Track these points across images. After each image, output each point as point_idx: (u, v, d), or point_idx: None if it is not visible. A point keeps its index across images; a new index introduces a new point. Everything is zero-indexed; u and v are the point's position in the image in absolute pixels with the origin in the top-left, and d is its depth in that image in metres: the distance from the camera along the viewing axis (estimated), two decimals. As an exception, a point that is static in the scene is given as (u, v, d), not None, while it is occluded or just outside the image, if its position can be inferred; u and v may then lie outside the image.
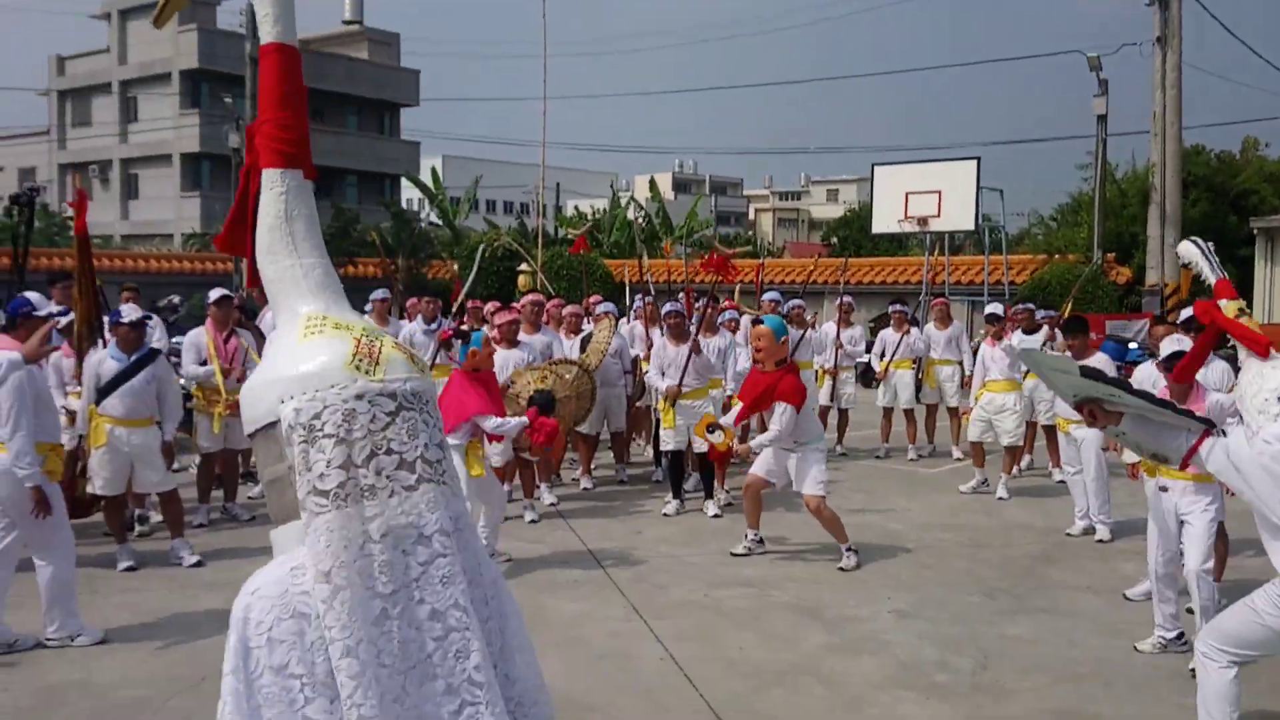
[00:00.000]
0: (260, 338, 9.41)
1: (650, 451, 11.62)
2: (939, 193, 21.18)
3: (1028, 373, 10.39)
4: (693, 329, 9.54)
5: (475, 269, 13.02)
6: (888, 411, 12.63)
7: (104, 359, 7.48)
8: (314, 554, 1.52)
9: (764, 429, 7.81)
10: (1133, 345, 16.28)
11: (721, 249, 13.69)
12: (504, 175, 53.06)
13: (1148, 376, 7.53)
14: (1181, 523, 5.85)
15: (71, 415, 7.71)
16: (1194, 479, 5.66)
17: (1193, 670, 4.50)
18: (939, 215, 21.28)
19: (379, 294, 11.63)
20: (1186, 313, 7.65)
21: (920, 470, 11.85)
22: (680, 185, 79.11)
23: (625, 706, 5.28)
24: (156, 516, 8.51)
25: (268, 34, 1.78)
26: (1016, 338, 10.70)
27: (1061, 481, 9.94)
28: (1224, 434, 3.60)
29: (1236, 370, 5.22)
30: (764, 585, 7.34)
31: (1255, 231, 21.46)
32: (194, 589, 7.05)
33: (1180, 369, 5.66)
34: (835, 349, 12.40)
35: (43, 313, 6.18)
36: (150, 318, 8.37)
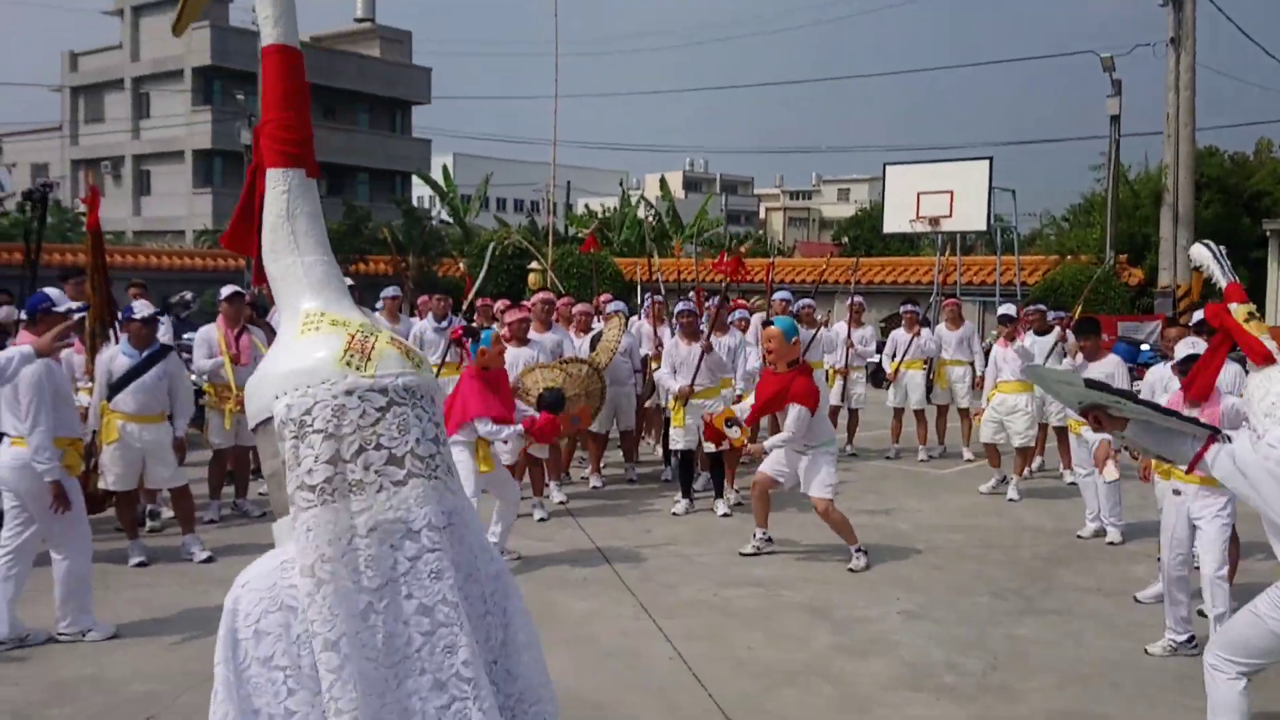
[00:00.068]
0: (272, 334, 9.43)
1: (659, 450, 11.62)
2: (951, 193, 21.13)
3: (1038, 374, 10.35)
4: (704, 328, 9.54)
5: (485, 267, 13.02)
6: (898, 412, 12.60)
7: (115, 355, 7.51)
8: (299, 549, 1.54)
9: (774, 430, 7.80)
10: (1145, 347, 16.22)
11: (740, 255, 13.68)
12: (514, 173, 53.11)
13: (1160, 378, 7.52)
14: (1194, 526, 5.83)
15: (83, 411, 7.73)
16: (1206, 483, 5.64)
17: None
18: (951, 215, 21.23)
19: (390, 291, 11.67)
20: (1199, 315, 7.62)
21: (930, 471, 11.83)
22: (691, 184, 79.10)
23: (634, 705, 5.28)
24: (168, 512, 8.55)
25: (268, 35, 1.79)
26: (1029, 339, 10.68)
27: (1073, 483, 9.91)
28: (1229, 440, 3.59)
29: (1249, 373, 5.20)
30: (773, 585, 7.33)
31: (1268, 234, 21.35)
32: (205, 584, 7.07)
33: (1199, 386, 5.58)
34: (846, 349, 12.38)
35: (62, 309, 6.22)
36: (161, 314, 8.40)
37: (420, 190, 45.64)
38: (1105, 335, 9.17)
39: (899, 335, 12.52)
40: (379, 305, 11.55)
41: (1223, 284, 4.94)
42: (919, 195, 21.51)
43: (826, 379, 11.99)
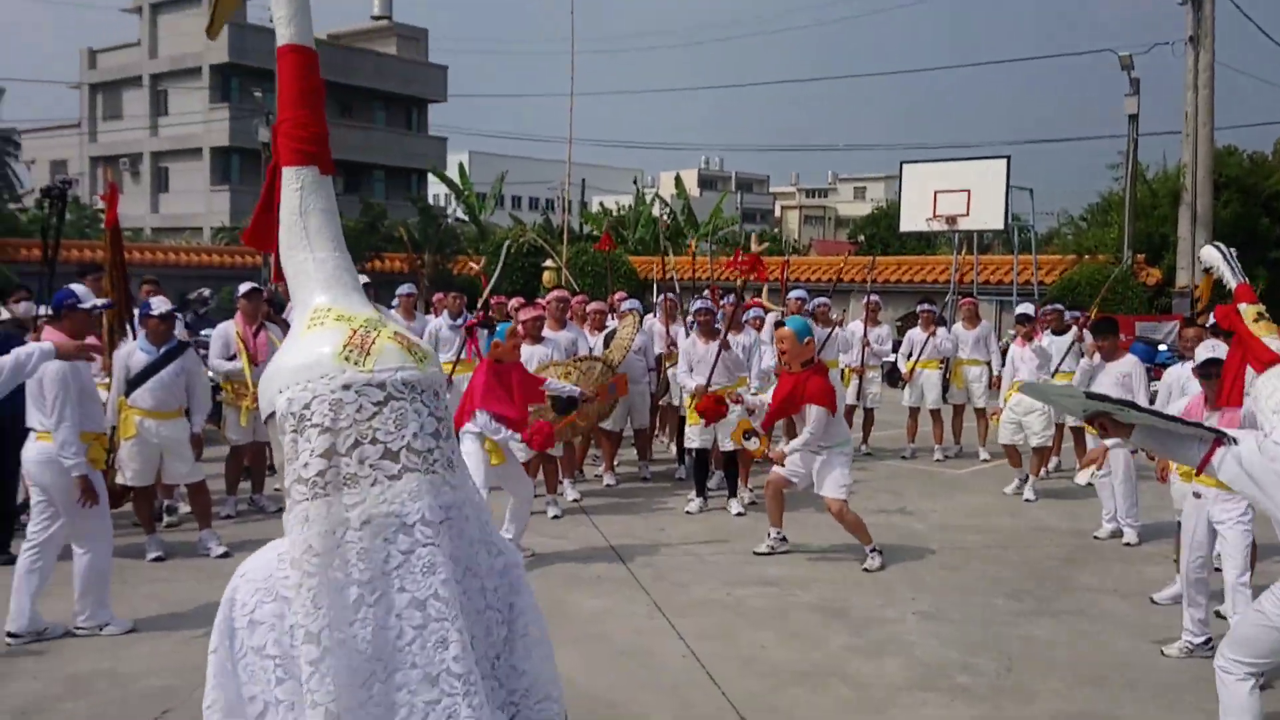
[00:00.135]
0: (288, 331, 9.47)
1: (673, 449, 11.62)
2: (968, 191, 21.07)
3: (1056, 373, 10.34)
4: (720, 326, 9.53)
5: (500, 265, 13.04)
6: (914, 412, 12.57)
7: (133, 351, 7.55)
8: (290, 541, 1.56)
9: (790, 432, 7.78)
10: (1162, 347, 16.13)
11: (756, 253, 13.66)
12: (530, 171, 53.17)
13: (1177, 378, 7.48)
14: (1214, 529, 5.80)
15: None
16: (1226, 486, 5.60)
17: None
18: (967, 214, 21.18)
19: (405, 289, 11.71)
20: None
21: (946, 471, 11.79)
22: (706, 182, 79.01)
23: (647, 703, 5.28)
24: (185, 508, 8.59)
25: (283, 35, 1.81)
26: (1046, 338, 10.65)
27: (1089, 484, 9.88)
28: (1235, 442, 3.57)
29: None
30: (787, 585, 7.33)
31: (1287, 233, 21.23)
32: (221, 580, 7.00)
33: (1227, 394, 5.53)
34: (862, 348, 12.36)
35: (88, 305, 6.27)
36: (178, 311, 8.44)
37: (436, 188, 45.73)
38: (1123, 335, 9.14)
39: (915, 334, 12.48)
40: (394, 303, 11.59)
41: (1232, 285, 4.91)
42: (936, 194, 21.47)
43: (842, 378, 11.96)
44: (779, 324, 8.48)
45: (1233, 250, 5.08)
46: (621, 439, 11.23)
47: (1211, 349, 5.98)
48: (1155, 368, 11.60)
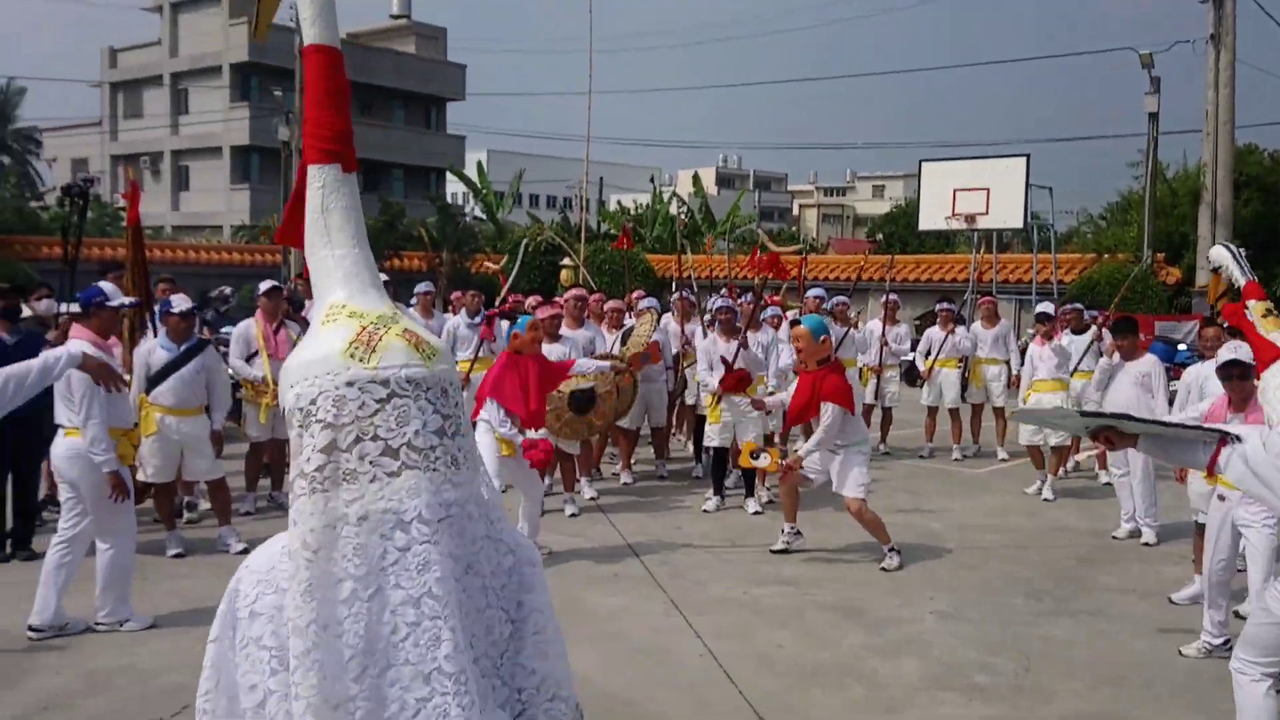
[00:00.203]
0: (307, 329, 9.52)
1: (690, 447, 11.62)
2: (987, 190, 21.00)
3: (1075, 372, 10.29)
4: (740, 325, 9.53)
5: (518, 263, 13.07)
6: (932, 411, 12.53)
7: (154, 349, 7.61)
8: (289, 534, 1.58)
9: (809, 434, 7.76)
10: (1182, 346, 16.03)
11: (772, 246, 13.65)
12: (547, 170, 53.22)
13: (1197, 378, 7.44)
14: (1238, 531, 5.76)
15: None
16: None
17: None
18: (987, 212, 21.10)
19: (423, 287, 11.74)
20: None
21: (964, 470, 11.76)
22: (724, 180, 78.95)
23: (665, 702, 5.29)
24: (205, 504, 8.64)
25: (309, 35, 1.83)
26: (1066, 337, 10.61)
27: (1108, 484, 9.84)
28: (1240, 440, 3.54)
29: None
30: (804, 584, 7.32)
31: (1309, 233, 21.06)
32: (240, 576, 7.12)
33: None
34: (880, 347, 12.33)
35: (115, 303, 6.32)
36: (198, 309, 8.49)
37: (454, 186, 45.77)
38: (1142, 335, 9.10)
39: (934, 333, 12.44)
40: (413, 301, 11.63)
41: (1241, 283, 4.89)
42: (955, 192, 21.40)
43: (860, 377, 11.94)
44: (794, 323, 8.48)
45: (1242, 250, 5.06)
46: (638, 437, 11.24)
47: (1234, 350, 5.95)
48: (1175, 367, 11.54)
